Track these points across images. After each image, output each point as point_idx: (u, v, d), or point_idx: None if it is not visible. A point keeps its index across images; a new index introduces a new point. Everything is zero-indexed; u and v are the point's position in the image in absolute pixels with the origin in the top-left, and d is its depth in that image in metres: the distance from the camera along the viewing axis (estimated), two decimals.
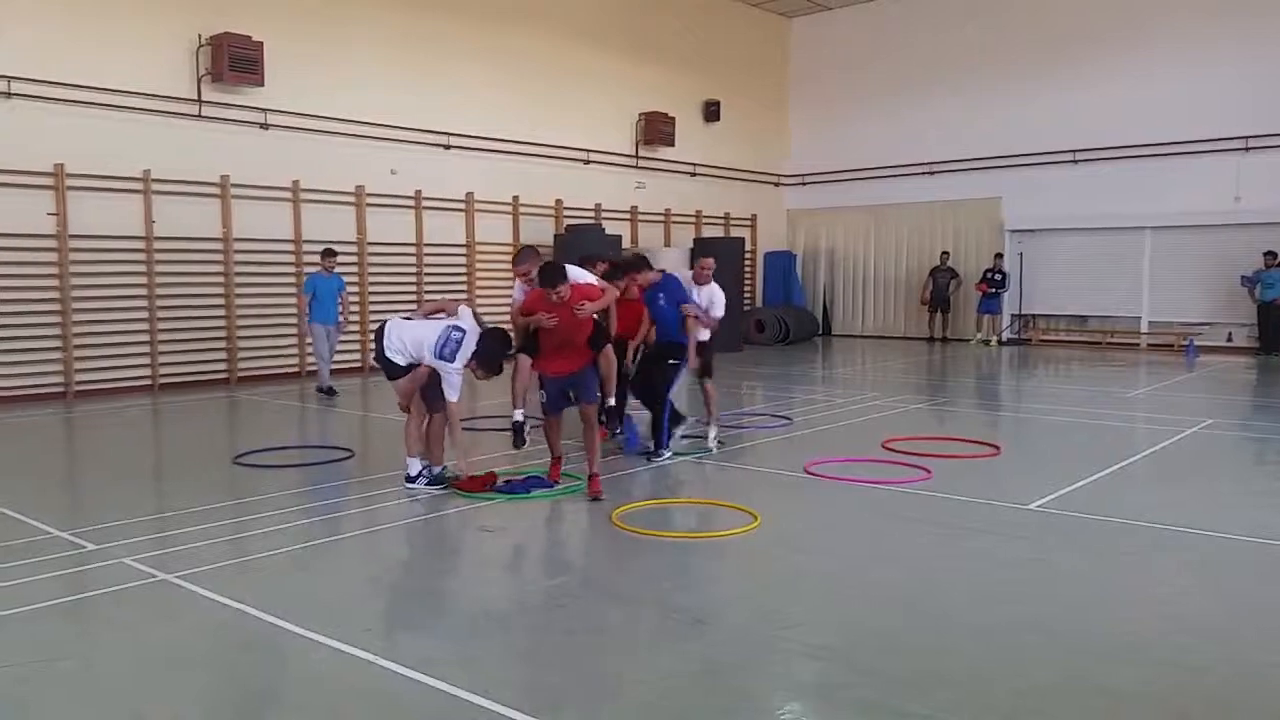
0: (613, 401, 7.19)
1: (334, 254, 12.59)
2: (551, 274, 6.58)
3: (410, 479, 6.84)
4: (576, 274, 6.98)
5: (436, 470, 6.92)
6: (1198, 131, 17.86)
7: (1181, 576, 4.97)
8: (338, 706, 3.56)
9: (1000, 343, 19.71)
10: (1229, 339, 18.02)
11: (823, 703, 3.59)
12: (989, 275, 19.89)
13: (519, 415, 6.78)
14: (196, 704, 3.60)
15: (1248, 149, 17.50)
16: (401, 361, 6.74)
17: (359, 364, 14.71)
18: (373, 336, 7.10)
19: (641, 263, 8.35)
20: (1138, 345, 18.78)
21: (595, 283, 7.09)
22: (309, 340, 12.86)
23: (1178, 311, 18.57)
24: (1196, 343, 17.39)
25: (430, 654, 3.96)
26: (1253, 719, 3.41)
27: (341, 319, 12.57)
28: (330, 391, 12.23)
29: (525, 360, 6.74)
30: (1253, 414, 11.16)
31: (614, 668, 3.93)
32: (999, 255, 19.98)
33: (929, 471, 7.27)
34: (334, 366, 12.82)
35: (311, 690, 3.71)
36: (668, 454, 7.99)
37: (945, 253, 20.76)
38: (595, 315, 6.84)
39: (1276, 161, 17.19)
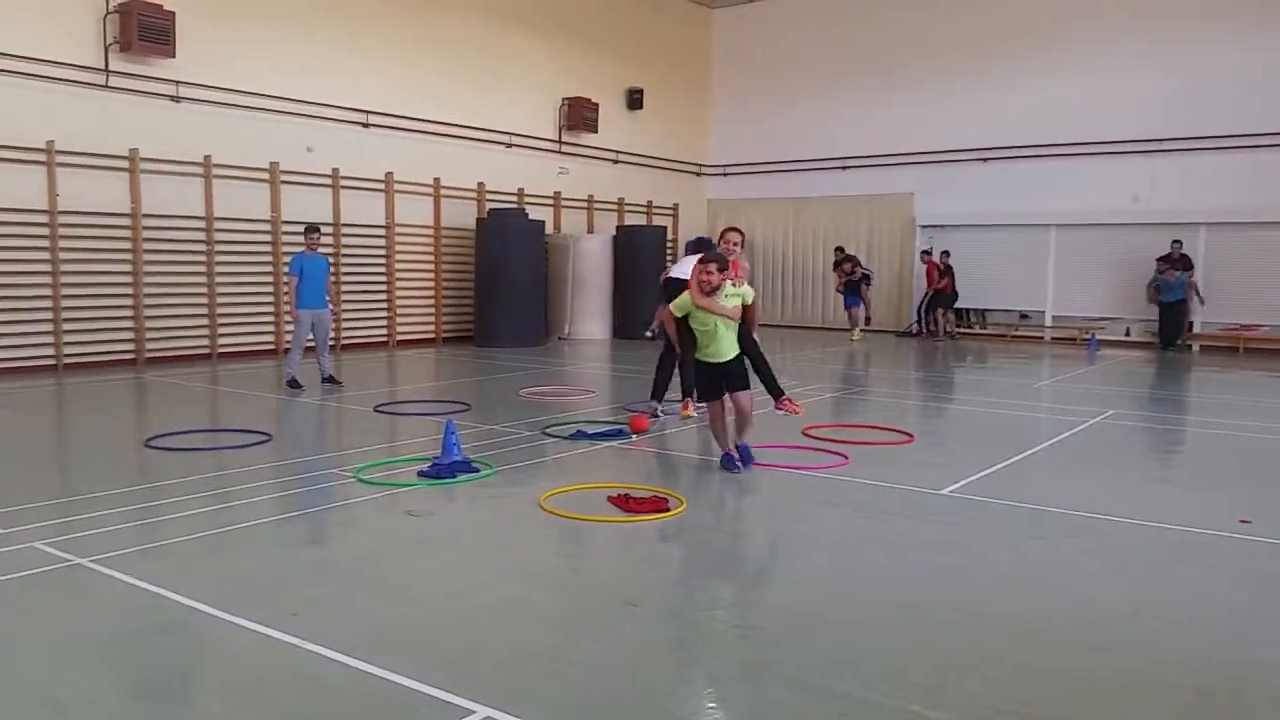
0: None
1: (318, 230, 11.37)
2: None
3: None
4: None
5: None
6: (1104, 133, 18.53)
7: (1088, 559, 5.18)
8: (262, 689, 3.50)
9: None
10: (1127, 333, 18.79)
11: (752, 682, 3.66)
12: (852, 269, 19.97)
13: None
14: (115, 688, 3.52)
15: (1151, 151, 18.21)
16: None
17: (272, 346, 14.40)
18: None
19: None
20: (1041, 339, 19.45)
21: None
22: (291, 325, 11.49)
23: (1081, 306, 19.30)
24: (1098, 337, 18.08)
25: (358, 638, 3.92)
26: (1157, 694, 3.59)
27: (331, 304, 11.44)
28: (295, 385, 10.93)
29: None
30: (1151, 405, 11.64)
31: (544, 650, 3.94)
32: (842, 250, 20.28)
33: (847, 458, 7.45)
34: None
35: (235, 673, 3.64)
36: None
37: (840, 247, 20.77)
38: None
39: (1179, 164, 17.93)
